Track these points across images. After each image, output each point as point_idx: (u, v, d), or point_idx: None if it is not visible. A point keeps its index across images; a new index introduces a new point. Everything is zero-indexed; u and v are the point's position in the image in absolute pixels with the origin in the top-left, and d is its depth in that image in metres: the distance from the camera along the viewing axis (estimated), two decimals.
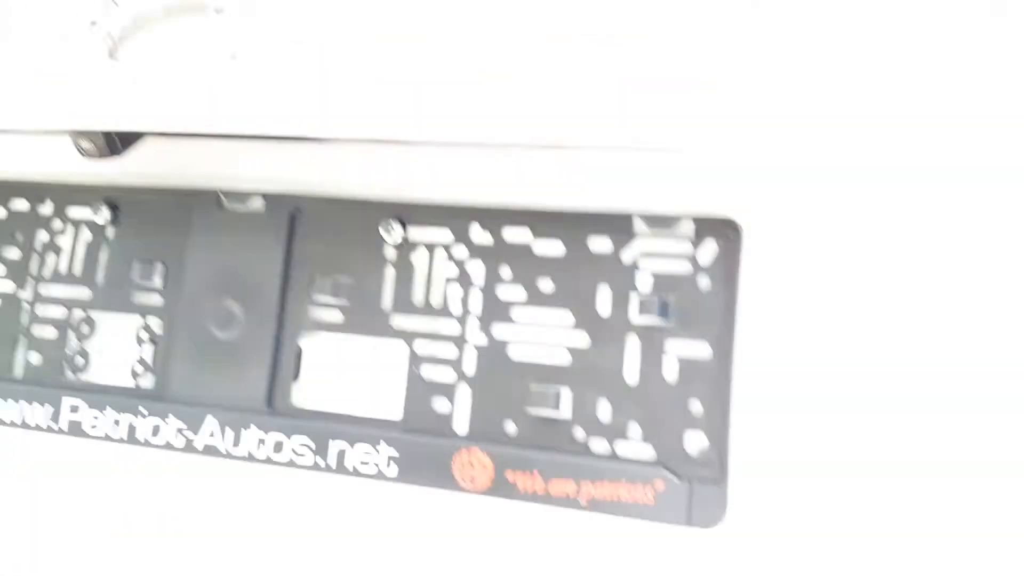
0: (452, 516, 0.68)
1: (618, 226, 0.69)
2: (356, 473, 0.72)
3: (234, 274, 0.78)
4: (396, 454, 0.71)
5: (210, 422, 0.76)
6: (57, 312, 0.84)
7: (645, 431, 0.67)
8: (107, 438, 0.79)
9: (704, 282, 0.67)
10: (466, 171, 0.71)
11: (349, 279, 0.75)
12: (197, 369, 0.78)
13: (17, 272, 0.86)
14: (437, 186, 0.72)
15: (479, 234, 0.73)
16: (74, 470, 0.78)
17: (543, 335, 0.71)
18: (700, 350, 0.67)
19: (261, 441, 0.74)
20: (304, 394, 0.76)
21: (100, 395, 0.80)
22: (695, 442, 0.66)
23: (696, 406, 0.66)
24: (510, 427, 0.70)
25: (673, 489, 0.65)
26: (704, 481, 0.65)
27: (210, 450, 0.76)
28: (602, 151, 0.67)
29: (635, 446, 0.67)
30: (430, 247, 0.74)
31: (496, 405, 0.70)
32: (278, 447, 0.74)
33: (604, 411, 0.68)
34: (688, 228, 0.68)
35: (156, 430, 0.77)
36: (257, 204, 0.78)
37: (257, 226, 0.78)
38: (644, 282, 0.69)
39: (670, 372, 0.67)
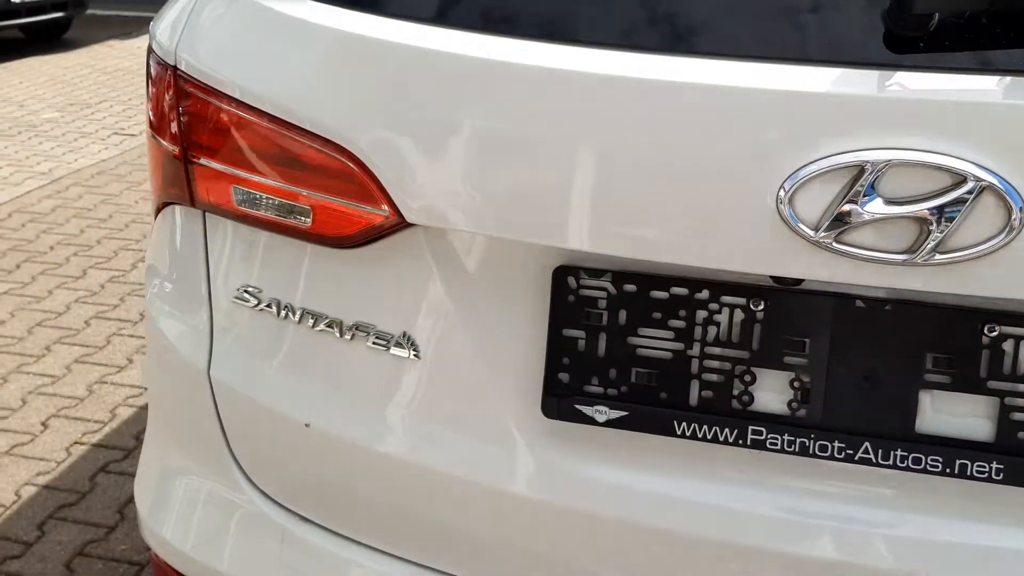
0: None
1: None
2: (973, 477, 1.19)
3: (866, 354, 1.22)
4: (1002, 467, 1.18)
5: (865, 444, 1.22)
6: (723, 365, 1.28)
7: None
8: (781, 451, 1.25)
9: None
10: None
11: (948, 356, 1.19)
12: (845, 410, 1.23)
13: (683, 336, 1.28)
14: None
15: None
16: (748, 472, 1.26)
17: None
18: None
19: (904, 456, 1.21)
20: (927, 424, 1.22)
21: (769, 423, 1.25)
22: None
23: None
24: None
25: None
26: None
27: (864, 460, 1.22)
28: None
29: None
30: (1016, 338, 1.18)
31: None
32: (916, 461, 1.21)
33: None
34: None
35: (824, 448, 1.24)
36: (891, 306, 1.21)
37: (890, 325, 1.20)
38: None
39: None
